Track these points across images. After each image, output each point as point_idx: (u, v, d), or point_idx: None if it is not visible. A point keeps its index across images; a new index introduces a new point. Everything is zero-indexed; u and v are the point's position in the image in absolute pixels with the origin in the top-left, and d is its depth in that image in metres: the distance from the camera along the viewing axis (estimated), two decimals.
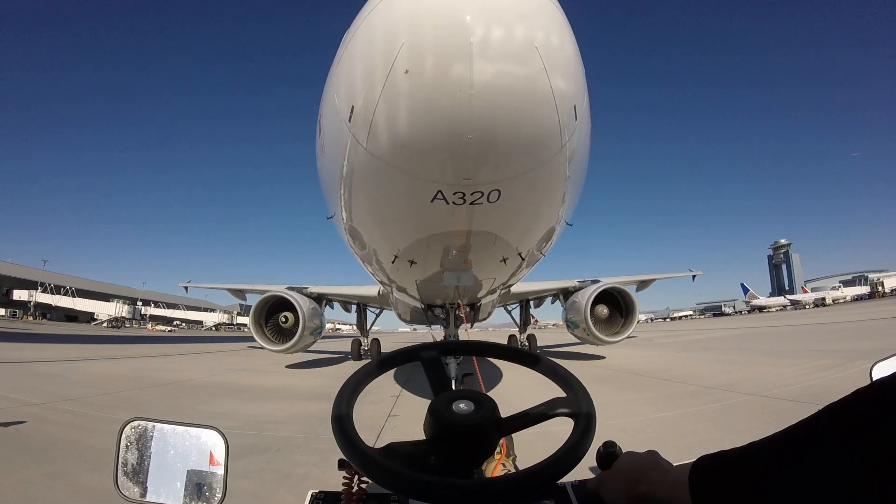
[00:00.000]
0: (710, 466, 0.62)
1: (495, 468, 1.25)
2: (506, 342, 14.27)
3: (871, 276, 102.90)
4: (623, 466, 0.79)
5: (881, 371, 1.36)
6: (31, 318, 69.32)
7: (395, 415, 6.74)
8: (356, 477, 0.90)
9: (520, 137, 2.71)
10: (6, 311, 70.88)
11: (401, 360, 1.03)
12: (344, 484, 0.89)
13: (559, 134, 2.77)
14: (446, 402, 0.81)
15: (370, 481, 0.84)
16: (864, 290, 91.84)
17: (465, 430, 0.76)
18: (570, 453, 0.75)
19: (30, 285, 74.63)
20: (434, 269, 4.81)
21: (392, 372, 11.57)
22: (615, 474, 0.79)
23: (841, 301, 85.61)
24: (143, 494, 1.19)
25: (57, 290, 75.81)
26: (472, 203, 3.06)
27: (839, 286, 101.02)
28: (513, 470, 1.22)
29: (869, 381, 1.33)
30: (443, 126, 2.57)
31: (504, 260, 4.55)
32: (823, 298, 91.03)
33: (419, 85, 2.44)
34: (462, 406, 0.80)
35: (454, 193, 3.00)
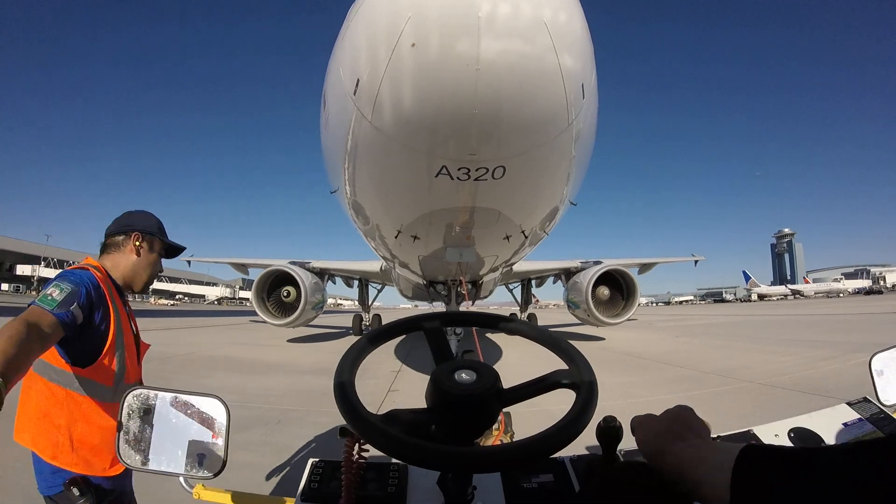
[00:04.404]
0: (757, 458, 0.57)
1: (493, 443, 1.25)
2: None
3: (873, 269, 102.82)
4: (671, 416, 0.76)
5: (879, 363, 1.40)
6: (34, 293, 69.71)
7: (395, 390, 6.81)
8: (357, 445, 0.90)
9: (526, 114, 2.67)
10: (9, 286, 71.49)
11: (403, 329, 1.02)
12: (344, 452, 0.90)
13: (566, 112, 2.73)
14: (448, 372, 0.80)
15: (370, 450, 0.84)
16: (865, 283, 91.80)
17: (467, 399, 0.76)
18: (571, 424, 0.74)
19: (33, 260, 74.95)
20: (437, 245, 4.81)
21: (392, 347, 11.72)
22: (662, 421, 0.76)
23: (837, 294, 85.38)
24: (145, 462, 1.19)
25: (60, 264, 76.05)
26: (476, 179, 3.04)
27: (841, 278, 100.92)
28: None
29: (868, 372, 1.34)
30: (448, 101, 2.53)
31: (507, 237, 4.53)
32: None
33: (425, 59, 2.39)
34: (464, 376, 0.79)
35: (459, 169, 2.97)
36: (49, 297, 1.57)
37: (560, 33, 2.38)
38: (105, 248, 2.02)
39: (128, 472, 1.85)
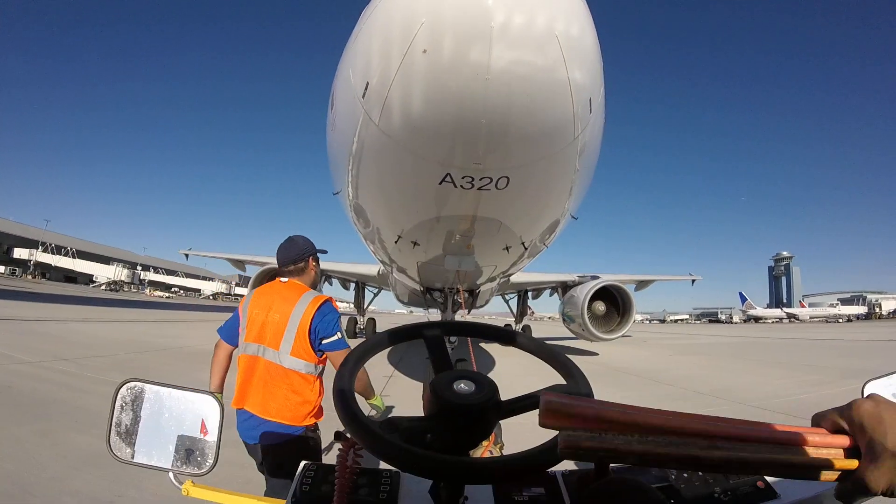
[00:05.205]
0: None
1: (482, 455, 1.25)
2: None
3: (869, 296, 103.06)
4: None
5: (873, 390, 1.35)
6: (30, 277, 69.92)
7: (387, 395, 6.77)
8: (351, 450, 0.90)
9: (533, 126, 2.68)
10: (6, 269, 71.41)
11: (405, 336, 1.02)
12: (339, 456, 0.90)
13: (572, 126, 2.73)
14: (448, 381, 0.80)
15: (363, 456, 0.84)
16: (861, 309, 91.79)
17: (465, 409, 0.76)
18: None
19: (31, 244, 74.77)
20: (436, 252, 4.81)
21: (386, 353, 11.68)
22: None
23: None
24: (135, 455, 1.18)
25: (58, 250, 76.06)
26: (480, 188, 3.04)
27: (837, 304, 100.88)
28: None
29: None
30: (457, 109, 2.53)
31: (507, 248, 4.54)
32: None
33: (436, 65, 2.40)
34: (463, 386, 0.79)
35: (463, 177, 2.98)
36: (345, 341, 2.58)
37: (571, 47, 2.39)
38: (294, 272, 2.80)
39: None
